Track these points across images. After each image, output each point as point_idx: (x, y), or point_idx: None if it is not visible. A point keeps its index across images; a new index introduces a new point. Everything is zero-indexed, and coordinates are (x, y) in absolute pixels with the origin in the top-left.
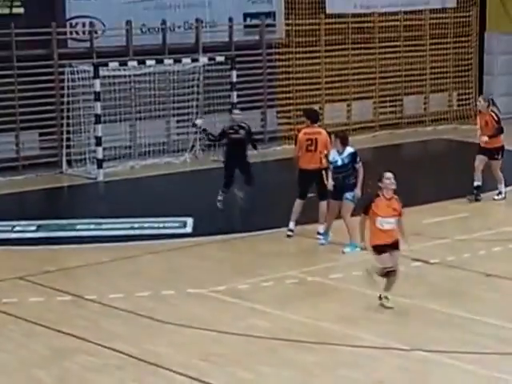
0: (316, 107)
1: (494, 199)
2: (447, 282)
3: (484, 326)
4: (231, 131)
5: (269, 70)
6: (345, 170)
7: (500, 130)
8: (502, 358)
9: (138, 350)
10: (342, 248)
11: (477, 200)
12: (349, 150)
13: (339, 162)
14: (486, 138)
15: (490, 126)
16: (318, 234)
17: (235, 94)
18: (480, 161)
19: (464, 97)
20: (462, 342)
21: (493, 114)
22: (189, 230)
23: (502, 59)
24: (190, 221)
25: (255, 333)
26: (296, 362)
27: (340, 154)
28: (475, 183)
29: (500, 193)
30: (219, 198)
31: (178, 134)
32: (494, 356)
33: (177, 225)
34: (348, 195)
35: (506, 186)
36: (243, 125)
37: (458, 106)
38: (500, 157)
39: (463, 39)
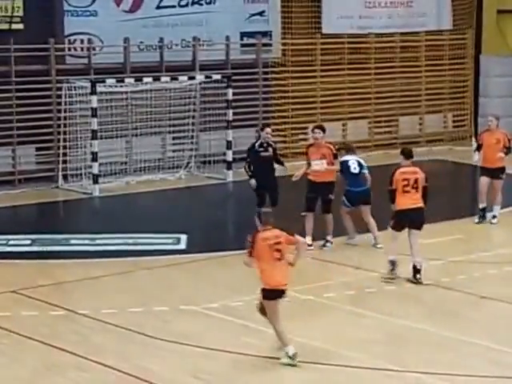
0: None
1: (492, 223)
2: (441, 303)
3: (477, 348)
4: (261, 149)
5: (264, 89)
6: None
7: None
8: (495, 381)
9: (129, 365)
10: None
11: (480, 222)
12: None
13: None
14: (502, 155)
15: (503, 143)
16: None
17: (231, 112)
18: (486, 183)
19: (459, 118)
20: (455, 364)
21: (505, 132)
22: (183, 246)
23: (498, 81)
24: (183, 237)
25: (247, 351)
26: (287, 381)
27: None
28: (481, 205)
29: (495, 216)
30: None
31: (174, 151)
32: (488, 379)
33: (171, 241)
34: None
35: (503, 207)
36: (271, 143)
37: (454, 127)
38: (504, 176)
39: (459, 61)
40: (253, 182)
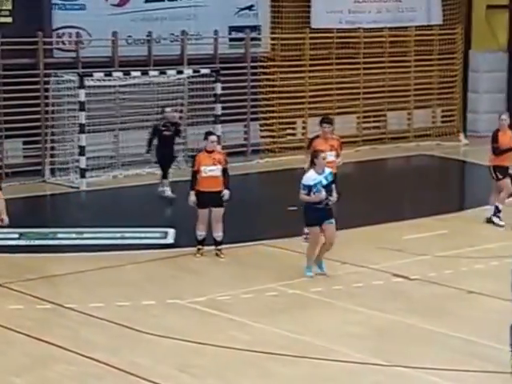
0: (300, 121)
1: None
2: (428, 298)
3: (464, 343)
4: (164, 128)
5: (253, 83)
6: (329, 190)
7: None
8: (482, 376)
9: (117, 359)
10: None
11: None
12: (327, 169)
13: (324, 182)
14: None
15: None
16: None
17: (219, 106)
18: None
19: (448, 113)
20: (442, 358)
21: None
22: (170, 240)
23: (486, 77)
24: (171, 231)
25: (235, 345)
26: (275, 375)
27: (320, 173)
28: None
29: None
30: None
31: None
32: (474, 373)
33: (158, 235)
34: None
35: (482, 205)
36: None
37: (442, 122)
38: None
39: (448, 56)
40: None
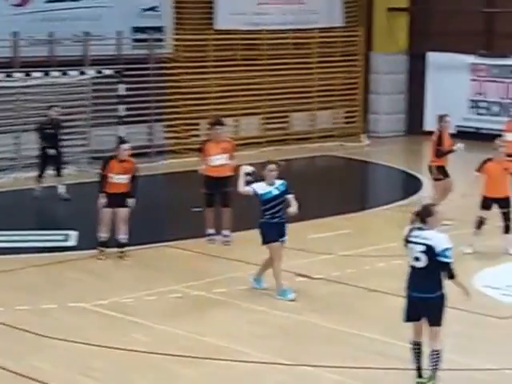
0: (204, 122)
1: None
2: (331, 297)
3: (368, 341)
4: (46, 127)
5: (157, 85)
6: (281, 202)
7: None
8: (385, 374)
9: (16, 364)
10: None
11: None
12: (278, 180)
13: (275, 192)
14: None
15: None
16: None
17: (123, 107)
18: None
19: (350, 114)
20: (345, 356)
21: None
22: (72, 243)
23: (387, 78)
24: (73, 234)
25: (138, 347)
26: (178, 377)
27: (271, 184)
28: None
29: None
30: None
31: (64, 147)
32: (378, 371)
33: (60, 238)
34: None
35: (391, 202)
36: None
37: (345, 123)
38: None
39: (350, 58)
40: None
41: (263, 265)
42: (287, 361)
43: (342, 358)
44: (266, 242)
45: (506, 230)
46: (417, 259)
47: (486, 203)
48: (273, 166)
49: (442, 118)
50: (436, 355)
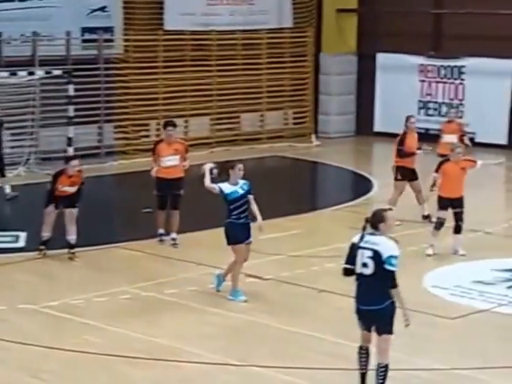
0: (154, 123)
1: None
2: (282, 297)
3: (317, 341)
4: None
5: (106, 85)
6: (246, 202)
7: None
8: (334, 374)
9: None
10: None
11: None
12: (241, 180)
13: (240, 191)
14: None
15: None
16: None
17: (72, 108)
18: None
19: (300, 115)
20: (296, 357)
21: None
22: (21, 244)
23: (337, 79)
24: (23, 235)
25: (88, 349)
26: (129, 378)
27: (235, 184)
28: None
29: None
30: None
31: (13, 147)
32: (327, 371)
33: (9, 239)
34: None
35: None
36: None
37: (294, 124)
38: None
39: (299, 59)
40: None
41: (230, 266)
42: (237, 361)
43: (291, 358)
44: (231, 242)
45: (457, 231)
46: (364, 265)
47: (443, 203)
48: (242, 166)
49: (407, 119)
50: (383, 370)
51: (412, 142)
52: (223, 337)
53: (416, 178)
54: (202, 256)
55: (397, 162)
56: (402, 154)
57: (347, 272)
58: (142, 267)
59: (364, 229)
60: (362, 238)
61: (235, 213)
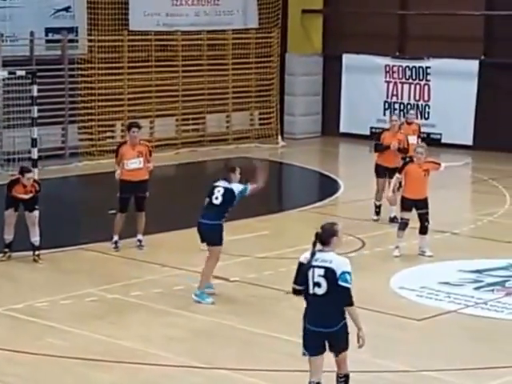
0: (119, 123)
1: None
2: (248, 299)
3: (283, 343)
4: None
5: (71, 86)
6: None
7: None
8: (299, 376)
9: None
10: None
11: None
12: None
13: (241, 187)
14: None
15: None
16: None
17: (36, 108)
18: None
19: (265, 116)
20: (262, 359)
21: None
22: None
23: (302, 80)
24: None
25: (52, 352)
26: (93, 381)
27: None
28: None
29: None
30: None
31: None
32: (293, 373)
33: None
34: None
35: (306, 204)
36: None
37: (260, 124)
38: None
39: (265, 59)
40: None
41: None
42: (203, 364)
43: (257, 360)
44: (221, 244)
45: (423, 232)
46: (317, 285)
47: (407, 204)
48: (240, 170)
49: (390, 118)
50: (343, 380)
51: (392, 140)
52: (188, 339)
53: (388, 177)
54: (167, 258)
55: (376, 159)
56: (377, 148)
57: (296, 292)
58: (107, 269)
59: (314, 245)
60: (312, 256)
61: (226, 215)
